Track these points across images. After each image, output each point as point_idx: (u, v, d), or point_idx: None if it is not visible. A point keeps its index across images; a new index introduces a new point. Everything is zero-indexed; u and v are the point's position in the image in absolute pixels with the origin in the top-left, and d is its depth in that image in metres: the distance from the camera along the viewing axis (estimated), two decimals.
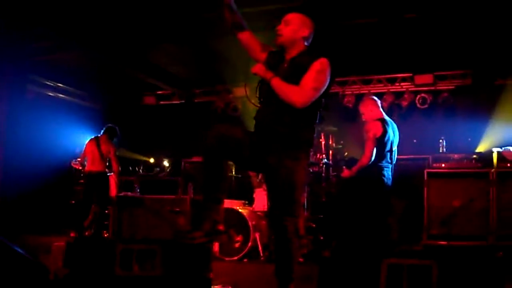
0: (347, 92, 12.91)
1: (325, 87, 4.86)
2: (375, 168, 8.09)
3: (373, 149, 8.03)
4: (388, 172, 8.17)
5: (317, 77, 4.77)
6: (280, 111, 4.80)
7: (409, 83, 12.44)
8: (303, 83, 4.73)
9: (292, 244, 4.81)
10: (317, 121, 5.06)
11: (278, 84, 4.74)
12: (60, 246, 5.48)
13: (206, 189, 4.88)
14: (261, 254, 8.92)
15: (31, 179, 10.99)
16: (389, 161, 8.20)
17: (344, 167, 8.77)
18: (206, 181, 4.88)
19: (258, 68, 4.92)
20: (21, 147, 9.16)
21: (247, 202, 10.14)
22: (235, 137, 4.91)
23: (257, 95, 5.14)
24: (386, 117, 8.37)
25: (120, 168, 11.53)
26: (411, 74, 12.27)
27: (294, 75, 4.83)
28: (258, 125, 5.06)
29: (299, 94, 4.70)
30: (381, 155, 8.09)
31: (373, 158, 8.02)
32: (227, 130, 4.99)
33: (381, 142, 8.07)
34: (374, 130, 8.11)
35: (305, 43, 5.11)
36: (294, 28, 5.04)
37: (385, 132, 8.09)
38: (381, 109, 8.48)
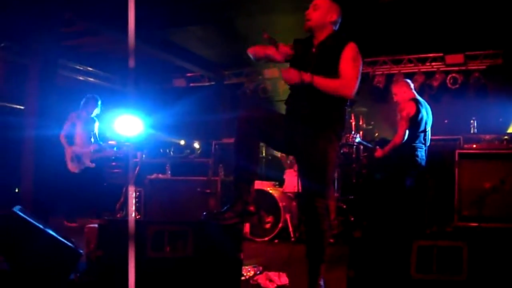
0: (377, 73, 12.85)
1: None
2: (409, 148, 8.06)
3: (406, 129, 8.00)
4: (421, 153, 8.13)
5: (355, 64, 4.87)
6: (310, 94, 4.82)
7: (440, 63, 12.34)
8: (345, 74, 4.83)
9: (323, 226, 4.85)
10: (348, 102, 5.07)
11: (322, 82, 4.77)
12: (93, 228, 5.54)
13: (237, 170, 4.92)
14: (292, 235, 8.94)
15: (63, 163, 11.10)
16: (423, 141, 8.16)
17: (377, 147, 8.73)
18: (238, 162, 4.91)
19: (292, 74, 4.85)
20: (53, 132, 9.26)
21: (277, 183, 10.15)
22: (268, 119, 5.01)
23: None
24: (419, 98, 8.32)
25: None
26: (442, 54, 12.17)
27: (324, 60, 4.96)
28: (290, 108, 5.10)
29: (347, 86, 4.81)
30: (414, 136, 8.06)
31: (405, 137, 7.99)
32: (260, 111, 5.06)
33: (414, 122, 8.04)
34: (407, 109, 8.08)
35: (334, 28, 5.15)
36: (323, 12, 5.07)
37: (418, 112, 8.05)
38: (413, 90, 8.44)
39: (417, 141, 8.07)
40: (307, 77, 4.71)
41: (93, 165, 10.67)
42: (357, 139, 9.13)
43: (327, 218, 4.92)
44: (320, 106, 4.87)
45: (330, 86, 4.77)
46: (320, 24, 5.07)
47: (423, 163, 8.13)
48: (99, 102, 11.14)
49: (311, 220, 4.92)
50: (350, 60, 4.86)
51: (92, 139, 10.94)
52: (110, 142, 11.12)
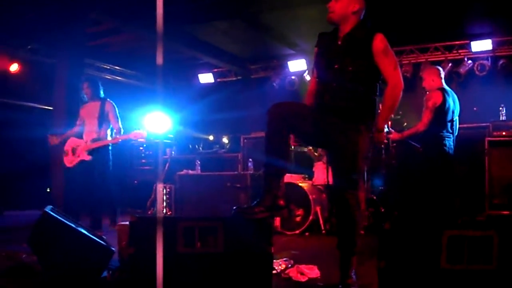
0: (404, 62, 12.77)
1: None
2: (437, 138, 8.02)
3: (430, 118, 7.96)
4: (449, 142, 8.09)
5: (390, 59, 5.02)
6: (339, 87, 4.89)
7: (467, 50, 12.22)
8: (389, 76, 5.06)
9: (355, 217, 4.87)
10: (378, 93, 5.20)
11: (387, 108, 5.27)
12: (124, 226, 5.58)
13: (268, 164, 4.91)
14: (322, 228, 8.92)
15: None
16: (450, 131, 8.11)
17: (392, 130, 8.69)
18: (268, 157, 4.91)
19: (382, 138, 5.19)
20: (81, 130, 9.35)
21: (307, 176, 10.14)
22: (299, 112, 5.00)
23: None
24: (446, 87, 8.27)
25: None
26: (468, 41, 12.05)
27: (351, 50, 4.95)
28: (320, 102, 5.08)
29: (394, 84, 5.11)
30: (442, 125, 8.01)
31: (428, 126, 7.96)
32: (290, 106, 5.08)
33: (441, 111, 7.99)
34: (434, 99, 8.04)
35: (358, 18, 5.11)
36: (344, 3, 5.03)
37: (445, 101, 8.01)
38: (442, 80, 8.39)
39: (444, 131, 8.02)
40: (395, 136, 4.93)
41: (89, 157, 9.00)
42: (386, 129, 9.09)
43: (358, 209, 4.91)
44: (351, 99, 4.93)
45: (391, 100, 5.23)
46: (343, 16, 5.04)
47: (451, 152, 8.08)
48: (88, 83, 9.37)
49: (343, 212, 4.94)
50: (384, 57, 4.97)
51: (94, 126, 9.15)
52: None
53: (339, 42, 5.05)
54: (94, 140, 9.03)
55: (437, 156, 8.05)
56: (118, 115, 9.26)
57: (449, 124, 8.05)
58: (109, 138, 9.18)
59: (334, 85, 4.91)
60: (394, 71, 5.03)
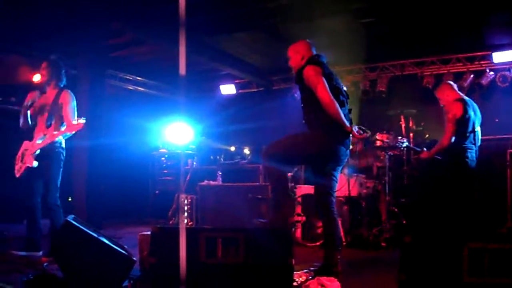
0: (425, 73, 12.71)
1: (322, 81, 5.95)
2: (459, 149, 7.99)
3: (453, 131, 7.94)
4: (472, 154, 8.05)
5: (314, 85, 5.96)
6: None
7: (489, 62, 12.13)
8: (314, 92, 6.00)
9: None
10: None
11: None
12: (146, 235, 5.61)
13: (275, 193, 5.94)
14: (343, 240, 8.90)
15: (115, 171, 11.25)
16: (473, 142, 8.07)
17: (424, 149, 8.68)
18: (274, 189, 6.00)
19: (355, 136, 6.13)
20: (103, 141, 9.40)
21: None
22: (287, 151, 6.04)
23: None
24: (465, 98, 8.24)
25: None
26: (490, 52, 11.99)
27: (298, 85, 6.32)
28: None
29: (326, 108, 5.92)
30: (464, 136, 7.98)
31: (453, 139, 7.93)
32: (278, 148, 6.08)
33: (462, 122, 7.96)
34: (454, 110, 8.01)
35: (306, 60, 6.29)
36: (293, 59, 6.46)
37: (465, 112, 7.98)
38: (457, 91, 8.36)
39: (467, 142, 7.99)
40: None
41: (34, 163, 7.21)
42: (405, 144, 9.08)
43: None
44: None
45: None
46: (299, 66, 6.26)
47: (473, 164, 8.05)
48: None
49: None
50: (308, 83, 6.00)
51: (43, 122, 7.45)
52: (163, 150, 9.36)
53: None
54: (40, 140, 7.27)
55: (459, 168, 8.01)
56: (74, 108, 7.40)
57: (471, 135, 8.01)
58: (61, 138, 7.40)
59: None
60: (315, 91, 5.91)
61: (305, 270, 5.92)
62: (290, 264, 4.38)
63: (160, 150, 13.73)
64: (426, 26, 10.71)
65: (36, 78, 7.89)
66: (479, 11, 9.99)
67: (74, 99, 7.46)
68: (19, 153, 7.48)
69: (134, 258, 5.25)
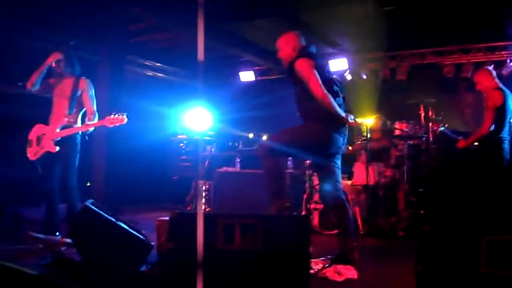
0: (446, 62, 12.65)
1: (314, 75, 5.87)
2: (496, 139, 7.88)
3: (492, 119, 7.83)
4: (507, 145, 7.96)
5: (306, 76, 5.92)
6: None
7: (510, 52, 12.05)
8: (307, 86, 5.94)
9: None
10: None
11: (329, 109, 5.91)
12: (164, 221, 5.63)
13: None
14: (361, 228, 8.88)
15: (133, 157, 11.29)
16: (509, 133, 7.99)
17: (460, 137, 8.58)
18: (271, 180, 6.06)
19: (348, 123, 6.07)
20: (123, 127, 9.41)
21: (346, 176, 10.11)
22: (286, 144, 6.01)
23: None
24: (503, 87, 8.14)
25: None
26: (511, 42, 11.90)
27: (290, 78, 6.25)
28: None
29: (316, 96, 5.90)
30: (501, 126, 7.87)
31: (492, 128, 7.84)
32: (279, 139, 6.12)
33: (501, 112, 7.87)
34: (494, 99, 7.91)
35: (298, 52, 6.23)
36: (283, 49, 6.40)
37: (505, 101, 7.88)
38: (496, 79, 8.26)
39: (503, 132, 7.86)
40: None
41: (55, 148, 7.33)
42: (441, 128, 9.02)
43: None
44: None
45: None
46: (289, 58, 6.19)
47: (508, 156, 7.96)
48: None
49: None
50: (300, 76, 5.95)
51: (65, 109, 7.53)
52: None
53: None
54: (63, 128, 7.37)
55: (494, 159, 7.91)
56: (93, 96, 7.57)
57: (507, 126, 7.92)
58: (79, 124, 7.56)
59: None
60: (308, 85, 5.86)
61: (321, 258, 5.93)
62: (308, 251, 4.39)
63: (179, 136, 13.76)
64: (447, 15, 10.65)
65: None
66: (501, 1, 9.91)
67: (92, 86, 7.59)
68: (33, 136, 7.57)
69: (152, 243, 5.28)
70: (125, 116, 7.15)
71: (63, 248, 6.56)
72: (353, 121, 5.99)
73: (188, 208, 10.96)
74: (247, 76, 15.13)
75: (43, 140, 7.42)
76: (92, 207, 5.22)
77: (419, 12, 10.61)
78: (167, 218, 4.71)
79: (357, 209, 8.97)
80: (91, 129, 7.44)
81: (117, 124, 7.16)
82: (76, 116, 7.48)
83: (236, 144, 12.92)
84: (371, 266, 5.19)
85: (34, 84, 7.49)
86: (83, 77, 7.58)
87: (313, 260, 5.47)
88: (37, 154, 7.47)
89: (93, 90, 7.57)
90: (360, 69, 13.61)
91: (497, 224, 3.99)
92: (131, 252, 5.03)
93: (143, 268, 5.16)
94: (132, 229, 5.28)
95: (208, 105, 11.36)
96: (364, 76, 13.55)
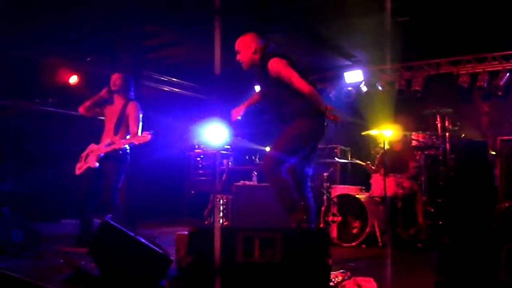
0: (461, 72, 12.62)
1: (294, 73, 6.00)
2: None
3: None
4: None
5: (285, 74, 6.01)
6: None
7: None
8: (292, 86, 6.02)
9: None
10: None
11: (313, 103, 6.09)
12: (183, 235, 5.64)
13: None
14: (379, 240, 8.86)
15: (152, 171, 11.32)
16: None
17: None
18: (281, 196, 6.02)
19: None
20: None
21: (364, 188, 10.10)
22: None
23: None
24: None
25: None
26: None
27: (262, 81, 6.50)
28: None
29: (302, 91, 6.01)
30: None
31: None
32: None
33: None
34: None
35: (260, 54, 6.31)
36: (244, 52, 6.39)
37: None
38: None
39: None
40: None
41: (95, 164, 7.85)
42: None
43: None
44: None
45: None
46: (250, 61, 6.32)
47: None
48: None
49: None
50: (279, 76, 6.00)
51: (111, 130, 8.14)
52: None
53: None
54: (107, 145, 7.89)
55: None
56: (140, 118, 8.08)
57: None
58: None
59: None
60: (293, 84, 5.94)
61: (341, 270, 5.92)
62: (327, 264, 4.38)
63: (196, 150, 13.80)
64: (461, 25, 10.65)
65: (73, 79, 8.31)
66: None
67: (140, 110, 8.12)
68: (84, 153, 8.15)
69: (171, 258, 5.29)
70: (148, 134, 7.55)
71: (82, 263, 6.60)
72: (334, 113, 6.02)
73: (206, 222, 10.97)
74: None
75: (89, 156, 7.99)
76: (112, 222, 5.24)
77: (433, 22, 10.62)
78: (186, 232, 4.72)
79: (375, 221, 8.95)
80: (127, 146, 7.91)
81: (143, 142, 7.60)
82: (122, 135, 7.97)
83: (253, 157, 12.94)
84: (391, 278, 5.16)
85: (87, 109, 8.27)
86: (133, 100, 8.17)
87: (332, 272, 5.46)
88: (81, 169, 8.05)
89: (141, 114, 8.09)
90: (376, 80, 13.61)
91: None
92: (150, 266, 5.05)
93: (163, 282, 5.17)
94: (151, 244, 5.30)
95: (224, 119, 11.40)
96: (380, 88, 13.55)
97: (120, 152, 7.90)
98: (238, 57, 6.39)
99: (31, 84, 11.07)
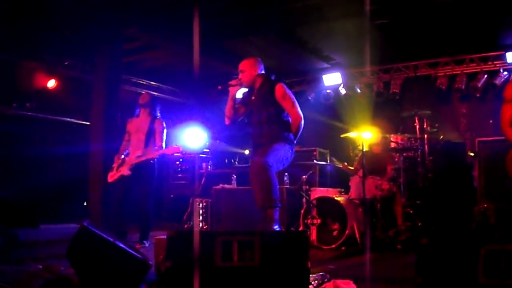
0: (439, 74, 12.69)
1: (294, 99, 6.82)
2: None
3: None
4: None
5: (287, 100, 6.77)
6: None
7: (503, 61, 12.07)
8: (288, 110, 6.81)
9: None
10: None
11: (295, 133, 6.80)
12: (161, 239, 5.62)
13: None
14: (359, 242, 8.86)
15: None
16: None
17: None
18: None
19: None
20: (118, 145, 9.45)
21: (343, 190, 10.11)
22: None
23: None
24: None
25: None
26: (503, 52, 11.93)
27: (263, 99, 6.92)
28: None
29: (295, 118, 6.78)
30: None
31: None
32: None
33: None
34: None
35: (262, 77, 7.08)
36: (248, 73, 7.12)
37: None
38: None
39: None
40: None
41: (128, 172, 8.93)
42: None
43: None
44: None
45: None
46: (250, 81, 7.13)
47: None
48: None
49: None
50: (284, 100, 6.75)
51: (142, 142, 9.21)
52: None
53: (253, 97, 7.18)
54: (138, 157, 8.99)
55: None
56: (164, 133, 9.34)
57: None
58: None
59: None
60: (293, 108, 6.72)
61: (320, 273, 5.92)
62: (307, 267, 4.38)
63: (174, 154, 13.76)
64: (439, 27, 10.71)
65: (51, 83, 8.53)
66: (492, 11, 9.97)
67: (165, 126, 9.39)
68: (115, 164, 9.21)
69: (150, 262, 5.27)
70: (179, 147, 9.14)
71: (61, 268, 6.55)
72: None
73: (186, 226, 10.93)
74: (242, 93, 15.14)
75: (122, 166, 9.05)
76: (90, 227, 5.21)
77: (411, 24, 10.66)
78: (164, 236, 4.70)
79: (354, 223, 8.96)
80: (156, 156, 9.10)
81: (174, 153, 9.59)
82: (151, 148, 9.14)
83: (232, 160, 12.93)
84: (370, 280, 5.17)
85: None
86: (159, 118, 9.40)
87: (311, 275, 5.45)
88: (113, 177, 9.11)
89: (165, 130, 9.39)
90: (354, 83, 13.68)
91: (495, 233, 3.98)
92: (129, 271, 5.02)
93: (142, 287, 5.14)
94: (130, 248, 5.27)
95: (203, 122, 11.39)
96: (358, 90, 13.60)
97: (152, 162, 9.11)
98: (241, 75, 7.15)
99: (8, 88, 11.00)
